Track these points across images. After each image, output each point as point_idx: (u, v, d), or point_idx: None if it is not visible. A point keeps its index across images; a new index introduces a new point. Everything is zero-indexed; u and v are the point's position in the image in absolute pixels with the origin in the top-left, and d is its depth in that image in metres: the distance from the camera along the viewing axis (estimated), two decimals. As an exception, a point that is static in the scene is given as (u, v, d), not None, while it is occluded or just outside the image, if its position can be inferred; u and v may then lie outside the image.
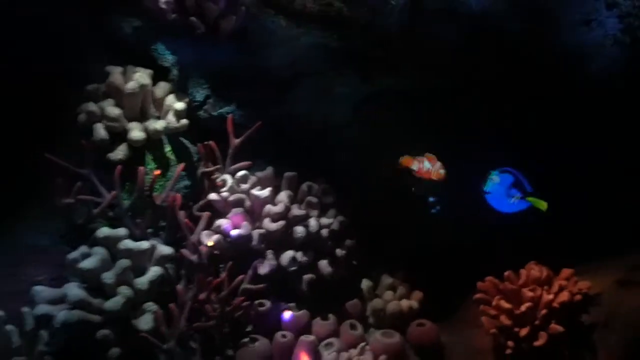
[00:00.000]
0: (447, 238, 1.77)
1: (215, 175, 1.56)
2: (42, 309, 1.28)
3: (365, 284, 1.67)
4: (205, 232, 1.49)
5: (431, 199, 1.72)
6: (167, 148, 1.55)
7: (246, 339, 1.45)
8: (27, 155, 1.48)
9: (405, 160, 1.64)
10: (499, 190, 1.61)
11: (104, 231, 1.37)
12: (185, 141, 1.58)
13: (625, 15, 1.67)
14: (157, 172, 1.51)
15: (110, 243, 1.37)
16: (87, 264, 1.31)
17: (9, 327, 1.27)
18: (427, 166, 1.61)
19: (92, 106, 1.45)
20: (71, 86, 1.57)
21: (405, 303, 1.64)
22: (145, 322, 1.30)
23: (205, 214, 1.52)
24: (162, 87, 1.55)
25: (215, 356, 1.38)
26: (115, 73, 1.48)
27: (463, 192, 1.69)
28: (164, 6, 1.51)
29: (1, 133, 1.47)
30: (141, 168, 1.46)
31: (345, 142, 1.76)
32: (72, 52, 1.59)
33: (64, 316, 1.26)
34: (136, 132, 1.44)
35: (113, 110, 1.43)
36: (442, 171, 1.59)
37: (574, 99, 1.74)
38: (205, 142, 1.56)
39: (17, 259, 1.42)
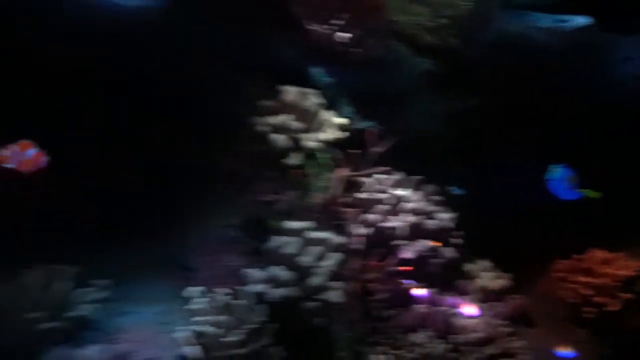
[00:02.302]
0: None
1: (357, 178, 1.88)
2: (256, 287, 1.56)
3: (472, 266, 2.03)
4: (357, 224, 1.81)
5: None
6: (324, 155, 1.86)
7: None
8: (205, 159, 1.75)
9: None
10: (559, 180, 1.88)
11: (293, 224, 1.65)
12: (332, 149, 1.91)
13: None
14: (316, 174, 1.82)
15: (297, 233, 1.66)
16: (289, 249, 1.59)
17: (234, 302, 1.53)
18: None
19: (273, 119, 1.73)
20: (235, 101, 1.85)
21: (499, 282, 2.05)
22: (336, 296, 1.60)
23: (356, 210, 1.83)
24: (320, 104, 1.84)
25: (379, 323, 1.70)
26: (290, 92, 1.77)
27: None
28: (322, 35, 1.81)
29: (186, 142, 1.72)
30: (308, 171, 1.76)
31: (443, 150, 2.17)
32: (236, 72, 1.87)
33: (275, 293, 1.54)
34: (310, 141, 1.74)
35: (293, 123, 1.72)
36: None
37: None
38: (350, 150, 1.89)
39: (214, 249, 1.66)
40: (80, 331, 1.29)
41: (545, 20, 2.23)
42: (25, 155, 1.39)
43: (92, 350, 1.26)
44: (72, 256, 1.49)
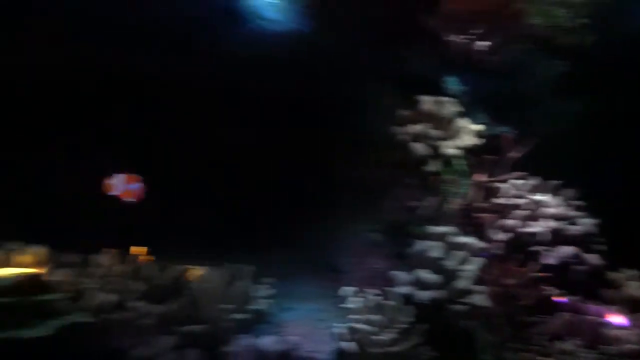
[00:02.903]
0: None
1: (494, 184, 1.91)
2: (404, 289, 1.65)
3: (617, 275, 1.95)
4: (495, 229, 1.84)
5: None
6: (461, 161, 1.91)
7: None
8: (352, 169, 1.88)
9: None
10: None
11: (436, 228, 1.73)
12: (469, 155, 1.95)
13: None
14: (454, 180, 1.88)
15: (440, 238, 1.73)
16: (434, 253, 1.67)
17: (384, 302, 1.62)
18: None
19: (412, 128, 1.81)
20: (376, 113, 1.97)
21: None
22: (480, 299, 1.65)
23: (494, 215, 1.86)
24: (455, 111, 1.89)
25: (522, 329, 1.72)
26: (427, 101, 1.85)
27: None
28: (459, 45, 1.86)
29: (336, 155, 1.87)
30: (446, 177, 1.82)
31: (580, 153, 2.11)
32: (375, 84, 1.99)
33: (422, 295, 1.62)
34: (449, 149, 1.80)
35: (431, 131, 1.79)
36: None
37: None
38: (486, 156, 1.92)
39: (362, 252, 1.79)
40: (257, 323, 1.46)
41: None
42: (130, 187, 1.63)
43: (267, 340, 1.42)
44: (246, 257, 1.70)
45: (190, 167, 1.75)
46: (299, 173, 1.84)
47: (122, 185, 1.62)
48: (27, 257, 1.49)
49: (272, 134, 1.81)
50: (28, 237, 1.63)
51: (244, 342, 1.40)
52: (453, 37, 1.82)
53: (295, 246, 1.85)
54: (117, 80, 1.68)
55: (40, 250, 1.51)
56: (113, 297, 1.36)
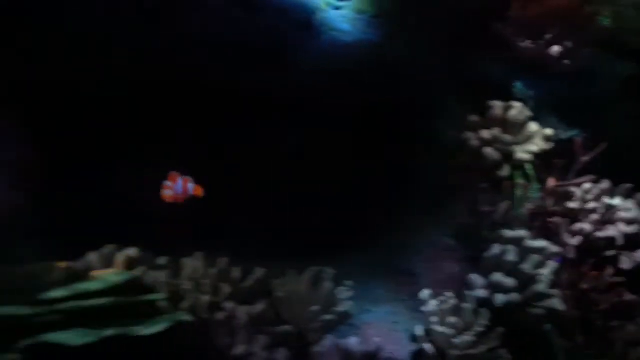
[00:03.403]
0: None
1: (565, 188, 1.91)
2: (479, 292, 1.68)
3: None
4: (568, 234, 1.84)
5: None
6: (531, 166, 1.93)
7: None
8: (424, 174, 1.92)
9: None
10: None
11: (510, 232, 1.74)
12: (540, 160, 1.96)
13: None
14: (525, 184, 1.89)
15: (514, 242, 1.75)
16: (509, 257, 1.69)
17: (462, 305, 1.64)
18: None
19: (485, 133, 1.84)
20: (437, 115, 2.00)
21: None
22: (557, 303, 1.65)
23: (566, 220, 1.86)
24: (526, 116, 1.89)
25: (600, 334, 1.72)
26: (498, 106, 1.87)
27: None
28: (531, 50, 1.87)
29: (408, 159, 1.91)
30: (518, 182, 1.84)
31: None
32: (433, 88, 2.02)
33: (501, 298, 1.65)
34: (521, 153, 1.82)
35: (505, 137, 1.81)
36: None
37: None
38: (557, 160, 1.92)
39: (434, 256, 1.83)
40: (341, 324, 1.51)
41: None
42: (184, 188, 1.56)
43: (352, 341, 1.47)
44: (319, 261, 1.75)
45: (267, 170, 1.81)
46: (373, 178, 1.88)
47: (180, 189, 1.64)
48: (122, 259, 1.59)
49: (347, 140, 1.86)
50: (108, 240, 1.74)
51: (329, 342, 1.46)
52: (524, 42, 1.84)
53: (367, 249, 1.90)
54: (196, 88, 1.77)
55: (134, 252, 1.60)
56: (207, 298, 1.44)
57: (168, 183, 1.56)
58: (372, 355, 1.44)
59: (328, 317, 1.44)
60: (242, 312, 1.43)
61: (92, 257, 1.59)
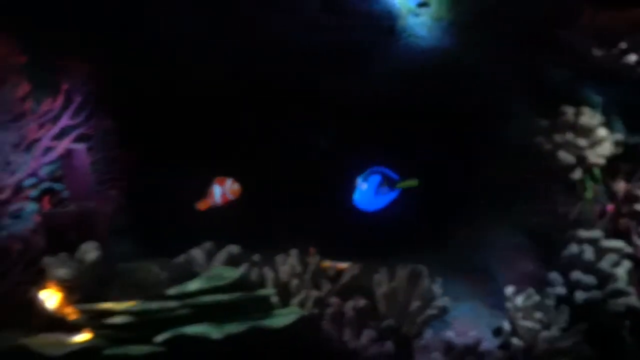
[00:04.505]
0: None
1: (634, 191, 1.99)
2: (558, 289, 1.75)
3: None
4: (637, 235, 1.93)
5: None
6: (601, 169, 2.00)
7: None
8: (499, 175, 1.99)
9: None
10: (369, 194, 1.59)
11: (587, 233, 1.82)
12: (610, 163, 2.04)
13: None
14: (595, 187, 1.97)
15: (589, 241, 1.82)
16: (586, 256, 1.76)
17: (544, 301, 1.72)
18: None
19: (558, 137, 1.91)
20: (512, 120, 2.07)
21: None
22: (635, 300, 1.73)
23: (634, 222, 1.94)
24: (596, 121, 1.96)
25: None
26: (569, 111, 1.94)
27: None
28: (603, 57, 1.92)
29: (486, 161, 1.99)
30: (589, 184, 1.92)
31: None
32: (502, 93, 2.09)
33: (582, 295, 1.72)
34: (594, 157, 1.89)
35: (579, 141, 1.89)
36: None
37: None
38: (625, 163, 2.00)
39: (510, 255, 1.90)
40: (438, 318, 1.58)
41: None
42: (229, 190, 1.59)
43: (450, 334, 1.53)
44: (401, 258, 1.82)
45: (345, 169, 1.88)
46: (446, 178, 1.96)
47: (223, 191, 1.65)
48: (224, 256, 1.64)
49: (425, 143, 1.93)
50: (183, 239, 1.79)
51: (430, 335, 1.52)
52: (596, 50, 1.91)
53: (442, 249, 1.97)
54: (289, 91, 1.84)
55: (236, 249, 1.65)
56: (316, 293, 1.50)
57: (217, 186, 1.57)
58: (472, 348, 1.51)
59: (430, 311, 1.52)
60: (349, 307, 1.50)
61: (196, 252, 1.66)
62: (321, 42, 1.79)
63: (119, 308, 1.30)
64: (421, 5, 1.98)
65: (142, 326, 1.29)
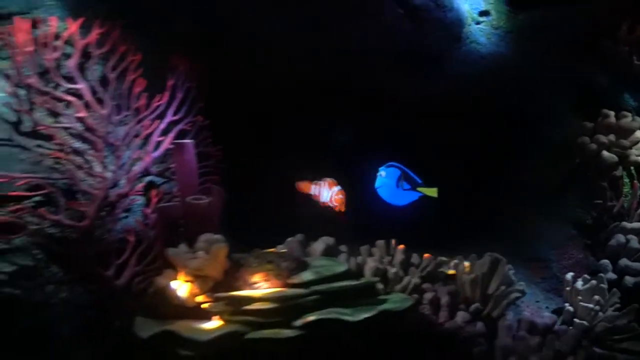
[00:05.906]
0: None
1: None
2: (609, 275, 1.94)
3: None
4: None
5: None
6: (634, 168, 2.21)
7: None
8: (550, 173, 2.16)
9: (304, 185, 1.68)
10: (389, 184, 1.71)
11: (631, 224, 2.02)
12: None
13: None
14: (635, 183, 2.17)
15: (634, 232, 2.02)
16: (635, 244, 1.97)
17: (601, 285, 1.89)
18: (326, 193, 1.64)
19: (602, 138, 2.10)
20: (548, 121, 2.25)
21: None
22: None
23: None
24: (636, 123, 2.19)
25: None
26: (611, 114, 2.14)
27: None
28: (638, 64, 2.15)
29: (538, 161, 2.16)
30: (631, 181, 2.12)
31: None
32: (549, 96, 2.27)
33: (630, 280, 1.92)
34: (633, 156, 2.09)
35: (623, 142, 2.08)
36: (340, 196, 1.66)
37: None
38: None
39: (562, 244, 2.08)
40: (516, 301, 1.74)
41: None
42: (330, 192, 1.69)
43: (527, 315, 1.70)
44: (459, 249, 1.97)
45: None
46: (498, 175, 2.13)
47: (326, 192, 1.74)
48: (322, 247, 1.73)
49: (482, 141, 2.11)
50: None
51: (511, 317, 1.68)
52: (636, 59, 2.11)
53: (497, 240, 2.13)
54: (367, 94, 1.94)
55: (331, 241, 1.75)
56: (417, 280, 1.62)
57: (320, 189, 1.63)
58: (550, 326, 1.68)
59: (513, 295, 1.67)
60: (444, 292, 1.63)
61: (294, 243, 1.74)
62: (400, 47, 1.91)
63: (258, 295, 1.38)
64: (483, 13, 2.14)
65: (277, 312, 1.38)
